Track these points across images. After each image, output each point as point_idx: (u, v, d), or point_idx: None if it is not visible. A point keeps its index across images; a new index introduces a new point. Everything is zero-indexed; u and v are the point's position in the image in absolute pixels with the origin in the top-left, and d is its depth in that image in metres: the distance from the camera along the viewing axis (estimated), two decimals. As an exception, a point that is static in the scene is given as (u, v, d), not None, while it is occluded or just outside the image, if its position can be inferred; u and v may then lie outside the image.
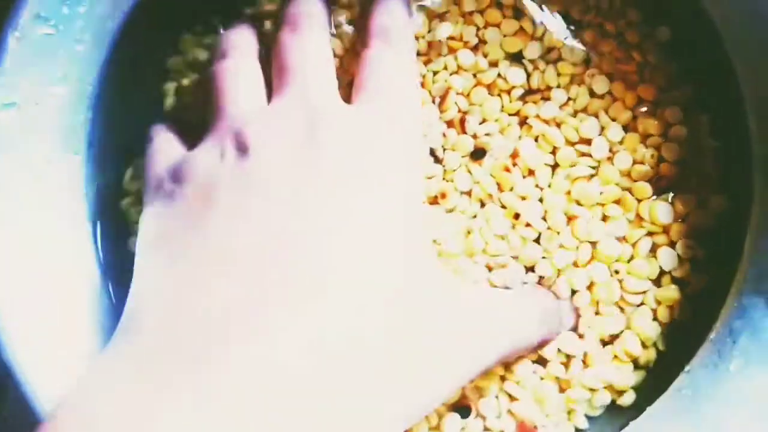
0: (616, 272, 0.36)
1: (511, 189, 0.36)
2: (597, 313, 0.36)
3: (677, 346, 0.35)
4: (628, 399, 0.36)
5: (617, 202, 0.36)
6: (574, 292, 0.36)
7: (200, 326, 0.24)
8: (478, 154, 0.37)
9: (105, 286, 0.35)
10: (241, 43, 0.33)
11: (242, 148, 0.28)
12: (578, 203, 0.36)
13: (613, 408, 0.36)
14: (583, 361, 0.36)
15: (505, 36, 0.38)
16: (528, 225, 0.36)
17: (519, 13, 0.38)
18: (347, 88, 0.33)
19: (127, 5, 0.33)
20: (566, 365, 0.35)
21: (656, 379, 0.34)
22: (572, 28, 0.38)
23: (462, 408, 0.35)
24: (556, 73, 0.38)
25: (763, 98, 0.32)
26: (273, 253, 0.26)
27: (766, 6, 0.31)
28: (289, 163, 0.28)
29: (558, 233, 0.36)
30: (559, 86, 0.38)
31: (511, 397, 0.35)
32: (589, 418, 0.36)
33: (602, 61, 0.38)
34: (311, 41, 0.32)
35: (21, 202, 0.32)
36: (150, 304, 0.26)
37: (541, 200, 0.36)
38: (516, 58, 0.38)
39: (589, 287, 0.36)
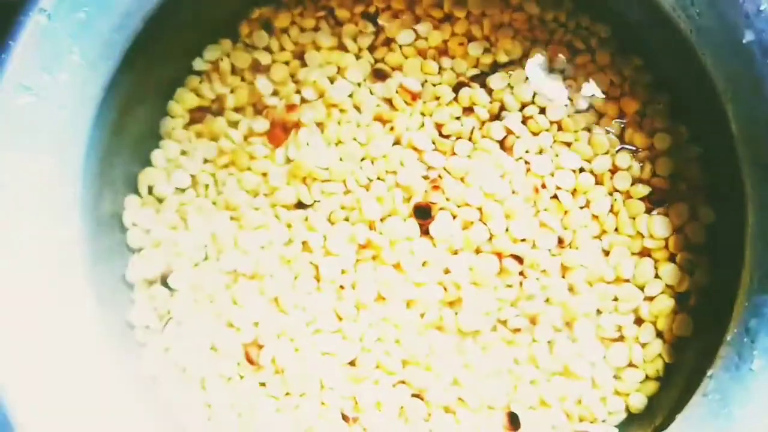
0: (615, 299, 0.36)
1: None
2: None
3: (693, 355, 0.36)
4: (638, 402, 0.36)
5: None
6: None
7: None
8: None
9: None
10: None
11: None
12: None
13: (644, 419, 0.36)
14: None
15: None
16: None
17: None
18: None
19: (108, 70, 0.33)
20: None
21: (683, 394, 0.34)
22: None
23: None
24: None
25: (742, 100, 0.32)
26: None
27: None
28: None
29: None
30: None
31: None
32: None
33: (577, 73, 0.39)
34: None
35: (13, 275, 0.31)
36: None
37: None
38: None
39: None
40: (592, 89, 0.39)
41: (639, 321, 0.37)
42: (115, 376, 0.33)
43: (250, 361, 0.36)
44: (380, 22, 0.40)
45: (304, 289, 0.37)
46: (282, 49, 0.39)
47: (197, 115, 0.39)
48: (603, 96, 0.38)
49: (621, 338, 0.37)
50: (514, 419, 0.36)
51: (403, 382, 0.36)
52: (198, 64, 0.39)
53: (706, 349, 0.34)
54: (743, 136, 0.32)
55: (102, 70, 0.33)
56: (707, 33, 0.32)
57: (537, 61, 0.39)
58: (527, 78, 0.39)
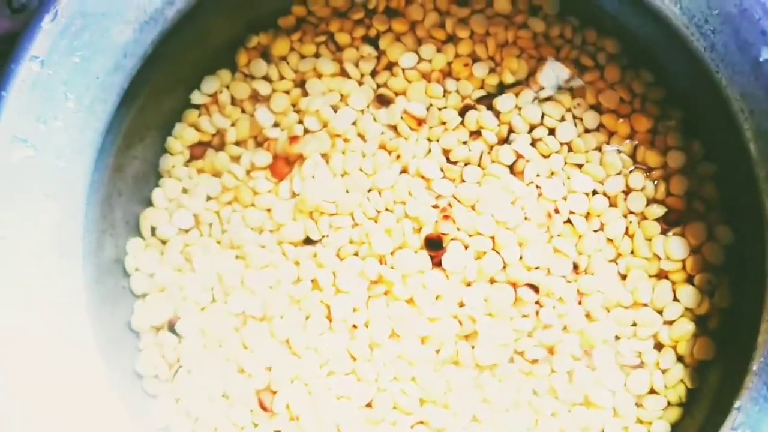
0: (634, 324, 0.36)
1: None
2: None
3: (717, 379, 0.35)
4: (661, 430, 0.35)
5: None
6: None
7: None
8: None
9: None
10: None
11: None
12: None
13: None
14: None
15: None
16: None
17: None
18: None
19: (105, 113, 0.32)
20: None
21: (707, 420, 0.33)
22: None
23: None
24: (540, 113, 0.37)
25: (760, 119, 0.32)
26: None
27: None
28: None
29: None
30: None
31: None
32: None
33: (585, 92, 0.38)
34: None
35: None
36: None
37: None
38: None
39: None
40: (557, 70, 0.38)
41: (659, 346, 0.36)
42: (125, 429, 0.32)
43: (264, 408, 0.35)
44: (381, 45, 0.39)
45: (316, 329, 0.35)
46: (282, 77, 0.38)
47: (198, 151, 0.38)
48: (569, 78, 0.38)
49: (641, 364, 0.36)
50: (536, 454, 0.35)
51: (421, 422, 0.35)
52: (196, 98, 0.38)
53: (730, 372, 0.34)
54: (762, 155, 0.32)
55: (99, 113, 0.31)
56: (722, 51, 0.31)
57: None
58: (535, 98, 0.38)
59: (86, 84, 0.31)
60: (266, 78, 0.38)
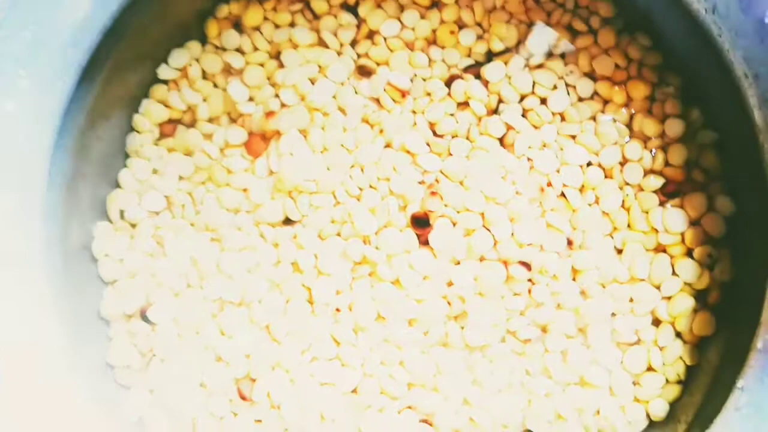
0: (631, 301, 0.34)
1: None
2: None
3: (717, 355, 0.34)
4: (659, 408, 0.34)
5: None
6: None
7: None
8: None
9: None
10: None
11: None
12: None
13: (666, 426, 0.34)
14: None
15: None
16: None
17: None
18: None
19: (65, 90, 0.29)
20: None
21: (707, 398, 0.32)
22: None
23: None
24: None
25: (765, 85, 0.30)
26: None
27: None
28: None
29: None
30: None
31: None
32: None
33: (578, 58, 0.36)
34: None
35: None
36: None
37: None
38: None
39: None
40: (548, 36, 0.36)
41: (657, 322, 0.34)
42: (96, 423, 0.30)
43: (243, 397, 0.33)
44: (361, 13, 0.36)
45: (297, 314, 0.34)
46: (255, 49, 0.36)
47: (167, 129, 0.36)
48: (562, 43, 0.36)
49: (638, 342, 0.34)
50: (530, 438, 0.34)
51: (410, 407, 0.34)
52: (164, 72, 0.36)
53: (731, 349, 0.33)
54: (767, 122, 0.30)
55: (57, 92, 0.30)
56: (724, 12, 0.30)
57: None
58: (525, 66, 0.36)
59: (41, 60, 0.29)
60: (239, 50, 0.36)
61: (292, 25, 0.36)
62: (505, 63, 0.36)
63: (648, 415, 0.34)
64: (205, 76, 0.36)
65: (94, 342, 0.34)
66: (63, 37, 0.29)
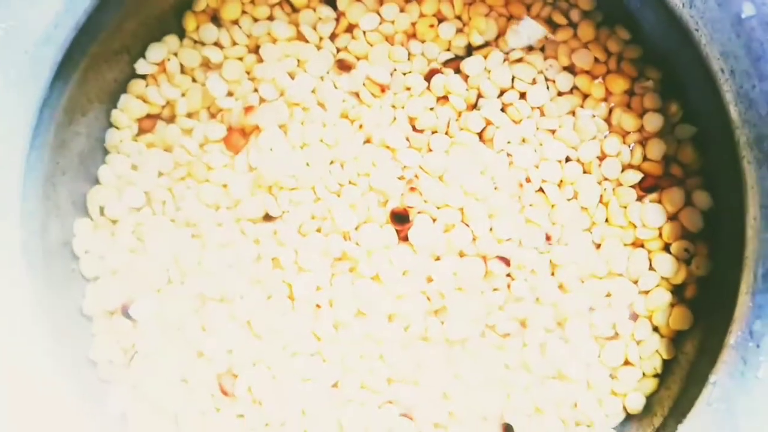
0: (608, 295, 0.35)
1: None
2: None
3: (693, 349, 0.34)
4: (636, 402, 0.34)
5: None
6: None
7: None
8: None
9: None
10: None
11: None
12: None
13: (643, 419, 0.34)
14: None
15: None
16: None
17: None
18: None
19: (39, 88, 0.29)
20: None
21: (683, 391, 0.33)
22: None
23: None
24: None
25: (741, 80, 0.30)
26: None
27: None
28: None
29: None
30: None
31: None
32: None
33: (558, 52, 0.35)
34: None
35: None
36: None
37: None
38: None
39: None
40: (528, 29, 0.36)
41: (634, 317, 0.35)
42: (79, 419, 0.30)
43: (225, 393, 0.33)
44: (340, 6, 0.36)
45: (278, 310, 0.34)
46: (234, 43, 0.36)
47: (146, 124, 0.36)
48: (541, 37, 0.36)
49: (616, 336, 0.35)
50: (509, 431, 0.34)
51: (390, 402, 0.34)
52: (142, 67, 0.36)
53: (706, 342, 0.33)
54: (742, 118, 0.30)
55: (31, 89, 0.29)
56: (701, 6, 0.30)
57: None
58: (504, 60, 0.35)
59: (14, 58, 0.28)
60: (217, 44, 0.36)
61: (270, 18, 0.36)
62: (485, 57, 0.36)
63: (625, 409, 0.35)
64: (183, 70, 0.36)
65: (77, 338, 0.34)
66: (35, 34, 0.29)
